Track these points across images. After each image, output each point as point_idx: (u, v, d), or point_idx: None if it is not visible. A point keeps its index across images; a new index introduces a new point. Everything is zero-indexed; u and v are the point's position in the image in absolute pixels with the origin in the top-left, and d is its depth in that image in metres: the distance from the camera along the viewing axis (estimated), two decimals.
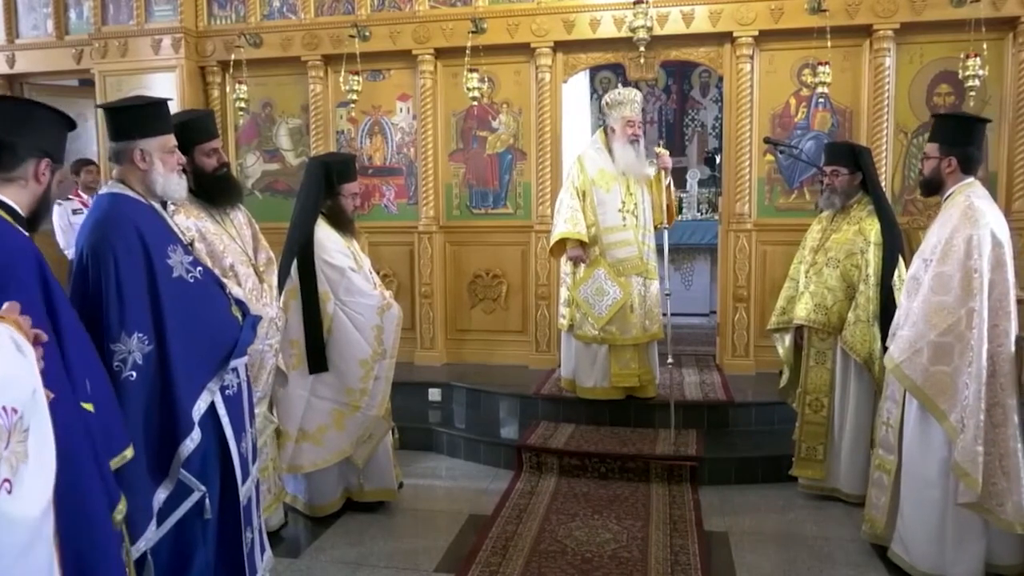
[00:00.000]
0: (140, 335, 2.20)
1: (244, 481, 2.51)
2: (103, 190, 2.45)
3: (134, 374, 2.19)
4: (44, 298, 1.79)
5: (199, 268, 2.42)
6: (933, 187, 3.17)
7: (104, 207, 2.33)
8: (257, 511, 2.68)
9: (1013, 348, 2.91)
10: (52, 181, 1.96)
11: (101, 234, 2.24)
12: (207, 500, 2.35)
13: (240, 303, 2.61)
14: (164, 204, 2.62)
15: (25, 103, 1.96)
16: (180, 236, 2.49)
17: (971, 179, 3.08)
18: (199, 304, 2.38)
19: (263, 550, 2.76)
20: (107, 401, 1.97)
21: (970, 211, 2.94)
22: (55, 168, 1.96)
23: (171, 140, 2.44)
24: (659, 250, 4.90)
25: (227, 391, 2.45)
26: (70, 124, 2.02)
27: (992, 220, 2.95)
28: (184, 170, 3.01)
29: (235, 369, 2.51)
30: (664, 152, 4.95)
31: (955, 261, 2.91)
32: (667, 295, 4.69)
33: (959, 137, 3.09)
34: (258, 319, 2.69)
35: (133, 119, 2.40)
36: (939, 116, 3.33)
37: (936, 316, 2.93)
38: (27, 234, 1.86)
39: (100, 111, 6.27)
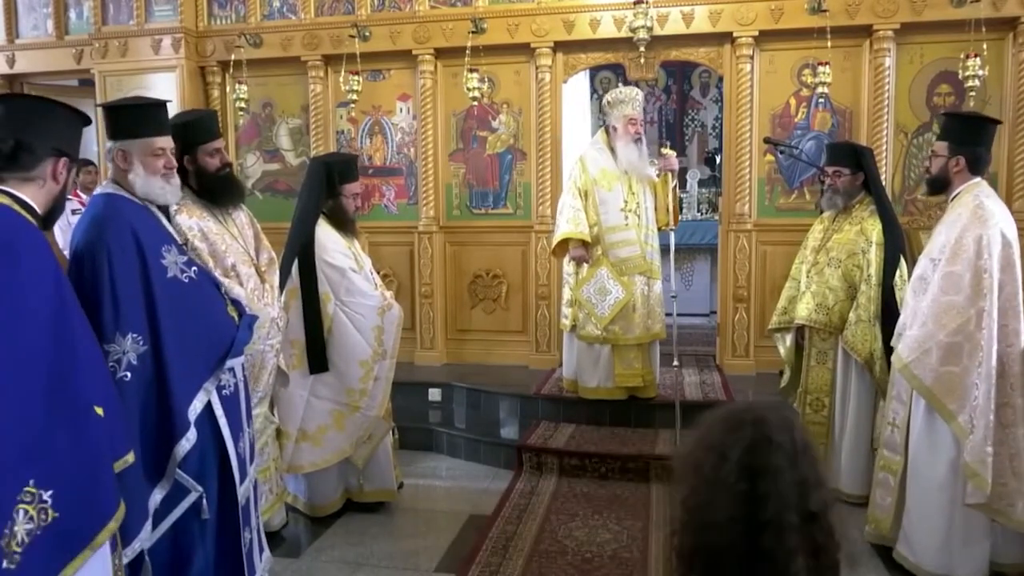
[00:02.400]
0: (135, 335, 2.20)
1: (242, 481, 2.50)
2: (98, 190, 2.45)
3: (129, 375, 2.18)
4: (57, 298, 1.79)
5: (194, 268, 2.42)
6: (940, 186, 3.15)
7: (99, 207, 2.33)
8: (255, 511, 2.67)
9: (1023, 347, 2.90)
10: (68, 180, 1.97)
11: (96, 234, 2.24)
12: (204, 501, 2.35)
13: (236, 303, 2.61)
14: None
15: (43, 102, 1.96)
16: (175, 236, 2.49)
17: (978, 179, 3.06)
18: (194, 304, 2.38)
19: (261, 550, 2.75)
20: (113, 404, 1.98)
21: (979, 211, 2.93)
22: (71, 167, 1.97)
23: (156, 143, 2.41)
24: (664, 251, 4.90)
25: (224, 391, 2.45)
26: (85, 121, 2.02)
27: (1001, 220, 2.94)
28: (185, 171, 3.03)
29: (232, 369, 2.50)
30: (671, 153, 4.94)
31: (965, 261, 2.90)
32: (673, 297, 4.67)
33: (969, 136, 3.07)
34: (254, 319, 2.69)
35: (117, 120, 2.42)
36: (950, 115, 3.30)
37: (946, 316, 2.92)
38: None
39: (99, 112, 6.29)
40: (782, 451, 1.22)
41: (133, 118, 2.43)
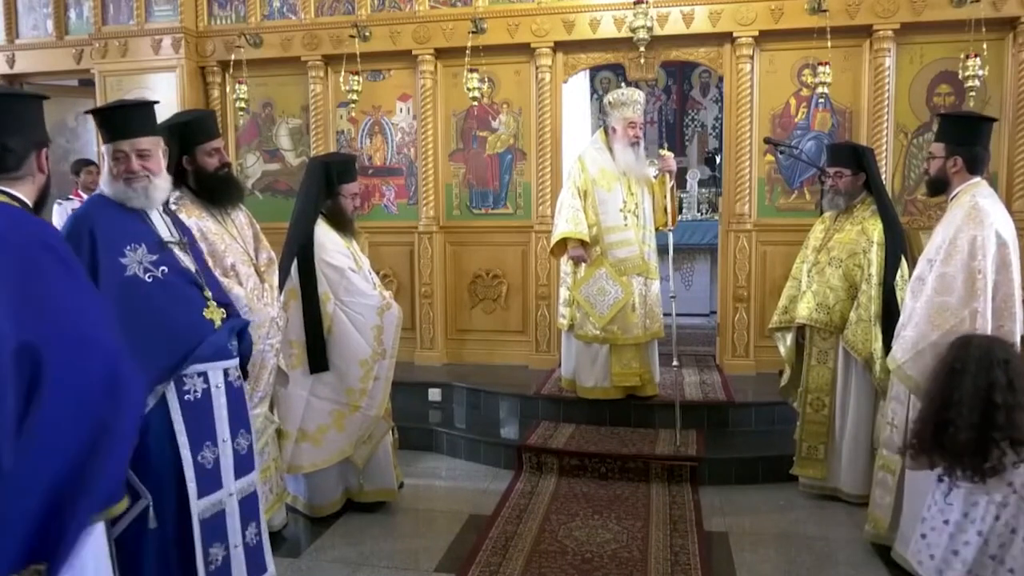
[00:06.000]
0: None
1: (206, 493, 2.38)
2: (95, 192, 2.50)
3: None
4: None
5: (163, 268, 2.36)
6: (939, 187, 3.14)
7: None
8: (245, 527, 2.54)
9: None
10: (50, 167, 1.99)
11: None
12: (151, 510, 2.14)
13: (226, 305, 2.55)
14: (165, 203, 2.62)
15: (10, 98, 1.93)
16: (157, 235, 2.43)
17: (977, 179, 3.05)
18: (154, 304, 2.32)
19: (264, 570, 2.63)
20: None
21: (975, 211, 2.92)
22: (48, 152, 1.99)
23: (116, 146, 2.38)
24: (663, 251, 4.90)
25: (186, 396, 2.35)
26: (44, 98, 2.01)
27: (997, 220, 2.93)
28: (184, 171, 3.03)
29: (203, 374, 2.40)
30: (668, 154, 4.95)
31: (959, 262, 2.89)
32: (672, 297, 4.67)
33: (965, 136, 3.06)
34: (241, 323, 2.62)
35: (98, 123, 2.46)
36: (945, 115, 3.29)
37: (939, 317, 2.91)
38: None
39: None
40: (1003, 361, 2.11)
41: (101, 122, 2.45)
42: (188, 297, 2.43)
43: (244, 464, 2.56)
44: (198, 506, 2.37)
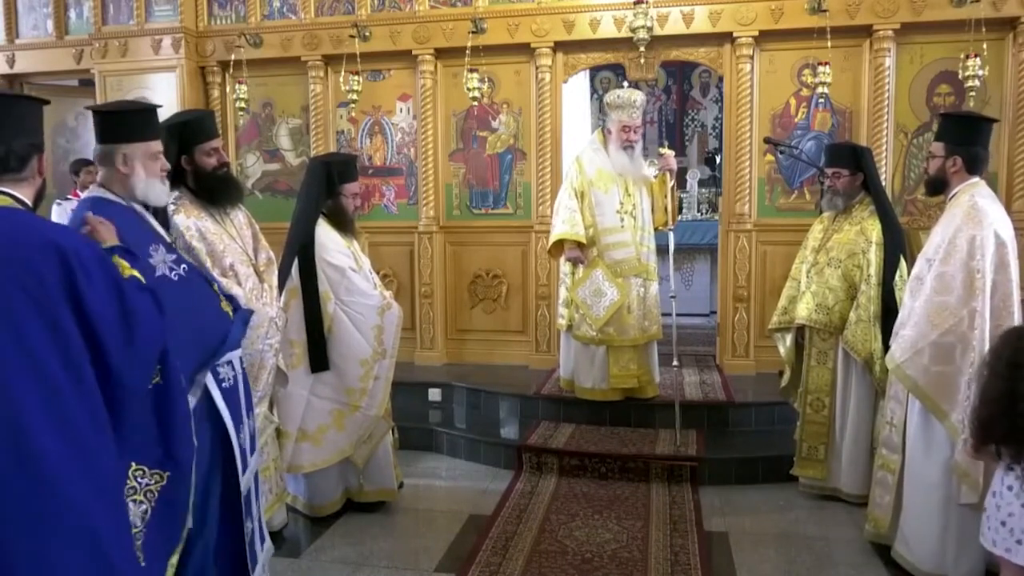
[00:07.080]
0: None
1: (243, 472, 2.51)
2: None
3: None
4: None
5: (183, 266, 2.42)
6: (938, 186, 3.15)
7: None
8: (257, 502, 2.68)
9: None
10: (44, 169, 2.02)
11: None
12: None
13: (231, 298, 2.60)
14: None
15: (17, 100, 1.96)
16: (163, 235, 2.48)
17: (976, 179, 3.06)
18: (183, 301, 2.35)
19: (263, 540, 2.76)
20: None
21: (973, 211, 2.93)
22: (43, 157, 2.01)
23: (155, 146, 2.45)
24: (663, 251, 4.88)
25: (223, 384, 2.45)
26: (45, 103, 2.03)
27: (996, 220, 2.93)
28: (183, 171, 3.03)
29: (230, 362, 2.50)
30: (669, 153, 4.91)
31: (957, 261, 2.90)
32: (672, 297, 4.66)
33: (965, 136, 3.07)
34: (249, 313, 2.69)
35: (119, 123, 2.43)
36: (946, 115, 3.30)
37: (938, 316, 2.92)
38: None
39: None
40: None
41: (137, 122, 2.45)
42: (207, 293, 2.50)
43: (254, 444, 2.70)
44: (243, 483, 2.49)
